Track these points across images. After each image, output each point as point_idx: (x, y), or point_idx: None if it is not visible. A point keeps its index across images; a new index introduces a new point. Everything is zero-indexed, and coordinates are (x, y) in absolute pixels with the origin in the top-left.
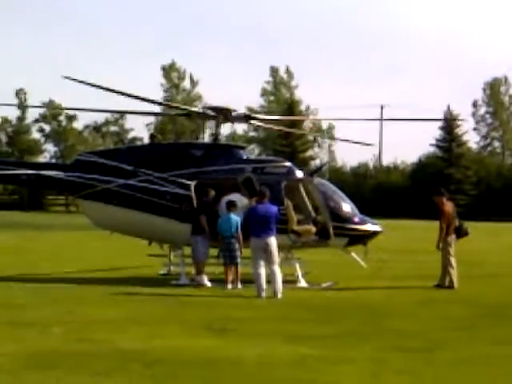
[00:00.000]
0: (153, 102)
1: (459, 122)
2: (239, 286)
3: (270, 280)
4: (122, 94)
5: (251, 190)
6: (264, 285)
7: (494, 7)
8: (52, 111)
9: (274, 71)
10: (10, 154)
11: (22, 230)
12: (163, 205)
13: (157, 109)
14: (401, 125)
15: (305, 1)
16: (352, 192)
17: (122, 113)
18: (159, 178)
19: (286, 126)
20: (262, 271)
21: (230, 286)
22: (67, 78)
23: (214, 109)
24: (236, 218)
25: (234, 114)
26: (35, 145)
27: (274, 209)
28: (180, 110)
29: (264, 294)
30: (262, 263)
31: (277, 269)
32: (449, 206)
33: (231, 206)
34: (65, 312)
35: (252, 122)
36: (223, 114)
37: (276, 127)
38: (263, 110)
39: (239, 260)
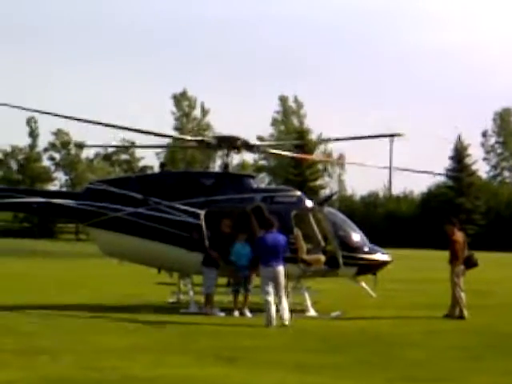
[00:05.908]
0: (163, 135)
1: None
2: (248, 313)
3: (279, 308)
4: (135, 130)
5: (261, 218)
6: (274, 313)
7: (505, 37)
8: (61, 140)
9: (283, 100)
10: (20, 182)
11: (32, 258)
12: (172, 233)
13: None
14: (411, 154)
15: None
16: (362, 221)
17: (131, 147)
18: (169, 207)
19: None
20: (272, 300)
21: (236, 313)
22: (83, 120)
23: (222, 138)
24: (249, 248)
25: (242, 142)
26: (46, 173)
27: (283, 238)
28: (188, 141)
29: (274, 323)
30: (272, 292)
31: (284, 297)
32: (459, 236)
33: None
34: (74, 340)
35: (260, 150)
36: (232, 143)
37: (284, 152)
38: (273, 139)
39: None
